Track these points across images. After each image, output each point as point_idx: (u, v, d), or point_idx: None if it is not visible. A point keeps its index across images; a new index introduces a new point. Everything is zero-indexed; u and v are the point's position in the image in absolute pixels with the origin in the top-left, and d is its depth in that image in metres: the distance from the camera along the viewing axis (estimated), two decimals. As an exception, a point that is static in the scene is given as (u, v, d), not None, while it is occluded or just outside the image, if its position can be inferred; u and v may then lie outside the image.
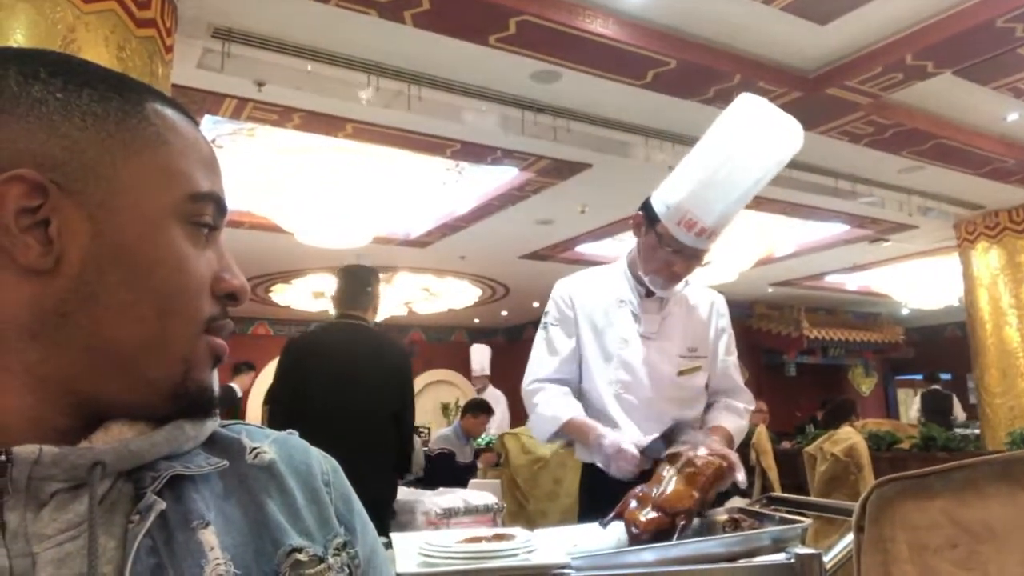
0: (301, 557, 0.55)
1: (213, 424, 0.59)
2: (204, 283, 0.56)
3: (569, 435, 1.97)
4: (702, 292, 2.10)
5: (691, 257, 1.89)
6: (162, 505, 0.51)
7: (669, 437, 1.67)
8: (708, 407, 2.08)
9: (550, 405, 1.97)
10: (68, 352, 0.51)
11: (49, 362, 0.50)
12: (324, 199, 5.42)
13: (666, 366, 1.97)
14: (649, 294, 2.00)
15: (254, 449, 0.60)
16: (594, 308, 2.02)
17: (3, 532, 0.47)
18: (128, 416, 0.53)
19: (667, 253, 1.87)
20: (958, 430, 7.24)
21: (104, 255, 0.51)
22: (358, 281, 2.98)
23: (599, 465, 1.87)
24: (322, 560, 0.56)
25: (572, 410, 1.95)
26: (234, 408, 7.61)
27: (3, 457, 0.46)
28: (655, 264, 1.92)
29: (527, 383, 2.04)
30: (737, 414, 2.04)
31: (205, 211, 0.57)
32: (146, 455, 0.52)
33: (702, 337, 2.03)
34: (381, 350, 2.86)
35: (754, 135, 1.78)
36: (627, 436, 1.85)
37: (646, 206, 1.93)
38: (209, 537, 0.52)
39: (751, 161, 1.78)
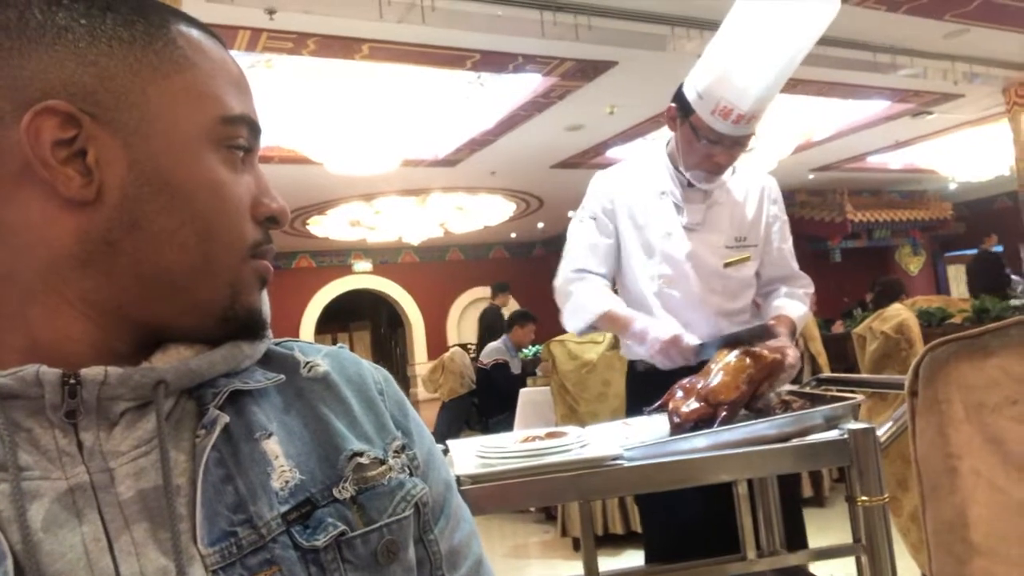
0: (363, 460, 0.57)
1: (268, 342, 0.60)
2: (244, 208, 0.56)
3: (606, 327, 1.93)
4: (752, 177, 1.99)
5: (733, 145, 1.79)
6: (226, 419, 0.53)
7: (728, 341, 1.61)
8: (768, 295, 2.01)
9: (587, 295, 1.90)
10: (119, 280, 0.52)
11: (102, 290, 0.51)
12: (349, 126, 5.38)
13: (712, 258, 1.90)
14: (692, 184, 1.91)
15: (308, 363, 0.61)
16: (634, 201, 1.94)
17: (81, 451, 0.49)
18: (183, 340, 0.55)
19: (706, 145, 1.79)
20: (1014, 301, 7.02)
21: (142, 183, 0.51)
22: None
23: (644, 356, 1.82)
24: (383, 462, 0.58)
25: (611, 302, 1.89)
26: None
27: (73, 380, 0.48)
28: (695, 158, 1.84)
29: (562, 275, 1.96)
30: (800, 300, 1.97)
31: (238, 134, 0.56)
32: (205, 373, 0.54)
33: (752, 225, 1.94)
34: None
35: (783, 4, 1.66)
36: (671, 326, 1.80)
37: (679, 96, 1.84)
38: (273, 447, 0.54)
39: (783, 34, 1.66)
